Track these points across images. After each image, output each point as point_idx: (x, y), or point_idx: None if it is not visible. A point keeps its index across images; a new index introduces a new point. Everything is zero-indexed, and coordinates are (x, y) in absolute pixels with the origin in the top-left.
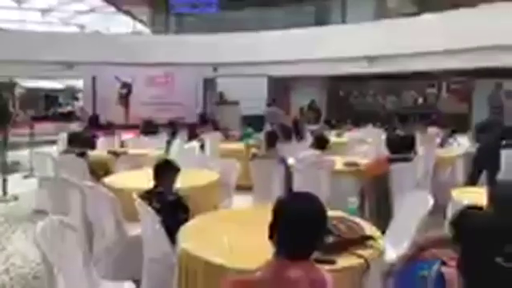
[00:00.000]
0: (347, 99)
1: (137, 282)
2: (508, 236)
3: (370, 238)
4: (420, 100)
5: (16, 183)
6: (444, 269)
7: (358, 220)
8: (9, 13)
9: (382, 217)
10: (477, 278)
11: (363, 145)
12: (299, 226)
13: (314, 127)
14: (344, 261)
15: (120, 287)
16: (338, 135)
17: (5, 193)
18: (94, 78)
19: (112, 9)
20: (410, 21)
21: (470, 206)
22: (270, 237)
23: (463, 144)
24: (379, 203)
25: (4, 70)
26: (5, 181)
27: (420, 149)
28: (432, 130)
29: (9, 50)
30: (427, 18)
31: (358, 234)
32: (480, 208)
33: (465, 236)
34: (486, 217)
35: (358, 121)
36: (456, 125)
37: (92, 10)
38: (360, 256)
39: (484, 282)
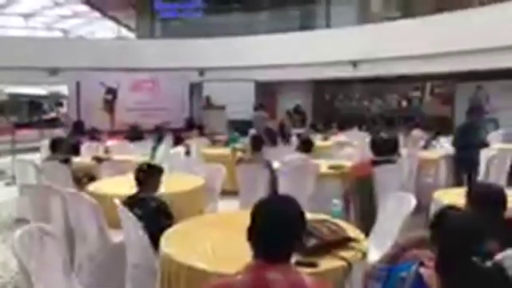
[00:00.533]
0: (333, 103)
1: None
2: (483, 235)
3: (353, 240)
4: (404, 103)
5: None
6: (422, 270)
7: (340, 222)
8: None
9: (367, 219)
10: (454, 278)
11: (348, 148)
12: (275, 228)
13: (299, 131)
14: (326, 263)
15: None
16: (325, 139)
17: None
18: (78, 84)
19: (96, 14)
20: (393, 25)
21: (448, 206)
22: (249, 239)
23: (446, 146)
24: (364, 205)
25: None
26: None
27: (404, 151)
28: (416, 132)
29: None
30: (410, 22)
31: (341, 236)
32: (458, 209)
33: (442, 236)
34: (463, 217)
35: (344, 124)
36: (439, 127)
37: (76, 15)
38: (342, 258)
39: (461, 281)
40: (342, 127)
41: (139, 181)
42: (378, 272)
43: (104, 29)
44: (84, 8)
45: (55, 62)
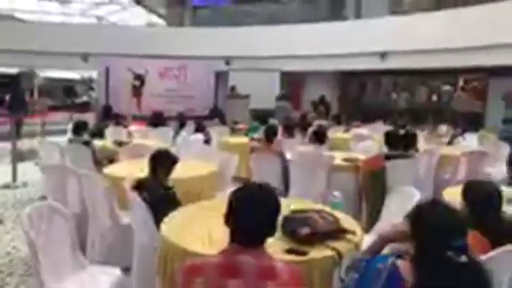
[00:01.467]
0: (359, 95)
1: (126, 269)
2: (459, 231)
3: (347, 231)
4: (434, 97)
5: (27, 170)
6: (399, 262)
7: (337, 214)
8: (29, 4)
9: (378, 213)
10: (428, 272)
11: (367, 141)
12: (249, 214)
13: (323, 122)
14: (317, 252)
15: (106, 272)
16: (346, 131)
17: (14, 179)
18: (107, 69)
19: (130, 0)
20: (425, 17)
21: (428, 201)
22: (226, 224)
23: (470, 143)
24: (375, 199)
25: (23, 60)
26: (15, 168)
27: (425, 146)
28: (442, 127)
29: (28, 40)
30: (443, 14)
31: (335, 227)
32: (438, 204)
33: (418, 230)
34: (439, 212)
35: (370, 117)
36: (469, 123)
37: (110, 2)
38: (333, 249)
39: (435, 275)
40: (367, 120)
41: (152, 166)
42: (357, 263)
43: (136, 16)
44: None
45: (87, 47)
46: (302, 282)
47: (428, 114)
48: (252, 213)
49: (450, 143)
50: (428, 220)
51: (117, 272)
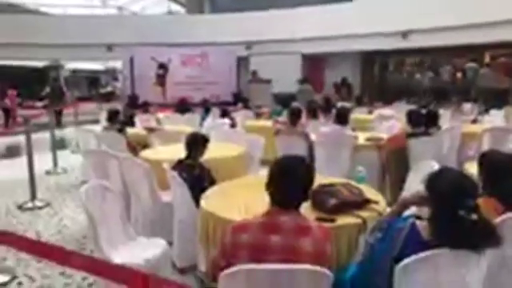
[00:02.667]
0: (382, 75)
1: (169, 242)
2: (468, 191)
3: (371, 201)
4: (458, 75)
5: (65, 158)
6: (418, 222)
7: (362, 186)
8: None
9: (401, 188)
10: (443, 229)
11: (390, 121)
12: (286, 181)
13: (346, 104)
14: (343, 220)
15: (153, 242)
16: (369, 112)
17: (55, 166)
18: (131, 59)
19: None
20: None
21: (439, 169)
22: (267, 190)
23: (495, 119)
24: (398, 177)
25: (49, 53)
26: (55, 155)
27: (448, 124)
28: (467, 105)
29: (52, 33)
30: None
31: (360, 197)
32: (450, 170)
33: (433, 193)
34: (452, 176)
35: (394, 97)
36: (495, 100)
37: None
38: (358, 216)
39: (450, 231)
40: (391, 100)
41: (188, 147)
42: (380, 224)
43: (156, 4)
44: None
45: (110, 38)
46: (331, 239)
47: (453, 93)
48: (289, 180)
49: (474, 121)
50: (441, 183)
51: (163, 242)
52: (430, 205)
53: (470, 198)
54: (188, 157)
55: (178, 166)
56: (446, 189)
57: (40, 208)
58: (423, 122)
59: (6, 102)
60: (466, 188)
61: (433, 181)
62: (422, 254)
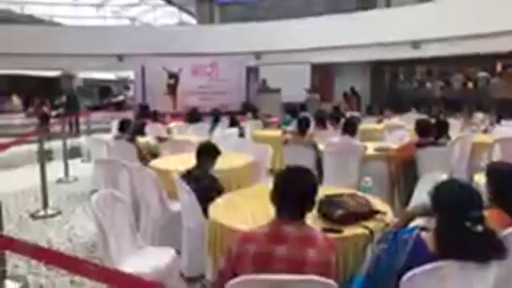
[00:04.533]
0: (392, 85)
1: (177, 251)
2: (474, 203)
3: (378, 212)
4: (470, 85)
5: (76, 167)
6: (423, 233)
7: (369, 197)
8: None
9: (410, 198)
10: (449, 240)
11: (399, 131)
12: (291, 192)
13: (356, 114)
14: (350, 231)
15: (161, 251)
16: (379, 121)
17: (67, 175)
18: (142, 69)
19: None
20: (457, 2)
21: (445, 180)
22: (271, 200)
23: (505, 130)
24: (407, 186)
25: (61, 63)
26: (67, 164)
27: (458, 134)
28: (478, 115)
29: (66, 44)
30: None
31: (367, 208)
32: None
33: (439, 205)
34: (457, 187)
35: (404, 107)
36: (507, 110)
37: (142, 2)
38: (365, 227)
39: (455, 242)
40: (401, 110)
41: (198, 157)
42: (386, 235)
43: (167, 15)
44: None
45: (122, 48)
46: (336, 250)
47: (464, 102)
48: (294, 190)
49: (485, 131)
50: (446, 195)
51: (172, 251)
52: (436, 216)
53: (476, 210)
54: (198, 166)
55: (187, 175)
56: (452, 200)
57: (52, 216)
58: (432, 132)
59: (44, 109)
60: (471, 199)
61: (438, 192)
62: (427, 266)
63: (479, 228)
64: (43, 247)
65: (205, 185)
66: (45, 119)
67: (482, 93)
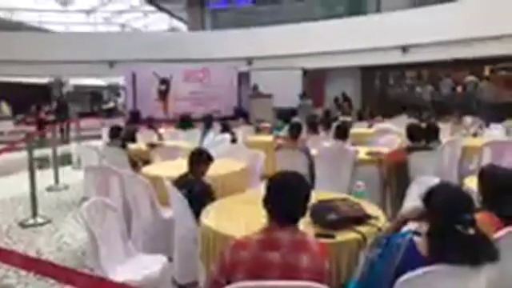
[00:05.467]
0: (382, 90)
1: (169, 258)
2: (464, 206)
3: (371, 217)
4: (459, 89)
5: (66, 174)
6: (416, 238)
7: (361, 202)
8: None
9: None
10: (442, 243)
11: (389, 135)
12: (284, 198)
13: (347, 118)
14: (343, 236)
15: (153, 259)
16: (369, 126)
17: (57, 182)
18: (133, 75)
19: (151, 7)
20: (447, 7)
21: (439, 183)
22: (264, 206)
23: (496, 134)
24: (399, 190)
25: (52, 70)
26: (57, 172)
27: (448, 138)
28: (467, 119)
29: (57, 50)
30: (468, 1)
31: (359, 213)
32: (448, 185)
33: (430, 209)
34: (449, 191)
35: (394, 111)
36: (497, 113)
37: (132, 9)
38: (358, 232)
39: (447, 245)
40: (392, 114)
41: (191, 163)
42: (379, 240)
43: (158, 21)
44: (139, 2)
45: (113, 54)
46: (329, 255)
47: (453, 106)
48: (286, 196)
49: (475, 135)
50: (437, 198)
51: (163, 259)
52: (428, 220)
53: (467, 213)
54: (190, 172)
55: (179, 181)
56: (443, 203)
57: (41, 225)
58: (423, 136)
59: (41, 114)
60: (462, 202)
61: (429, 196)
62: (420, 270)
63: (470, 231)
64: (32, 257)
65: (197, 191)
66: (42, 125)
67: (471, 97)
